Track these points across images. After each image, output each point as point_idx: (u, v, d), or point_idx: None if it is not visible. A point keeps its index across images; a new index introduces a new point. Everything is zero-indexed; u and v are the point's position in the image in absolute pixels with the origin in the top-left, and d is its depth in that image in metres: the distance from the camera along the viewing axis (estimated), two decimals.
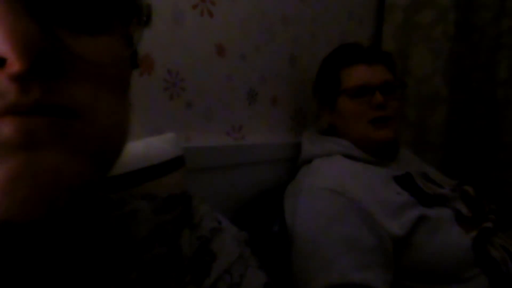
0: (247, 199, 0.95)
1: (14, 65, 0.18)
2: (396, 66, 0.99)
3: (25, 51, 0.18)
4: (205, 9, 0.84)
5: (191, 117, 0.82)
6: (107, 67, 0.23)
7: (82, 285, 0.28)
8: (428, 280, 0.73)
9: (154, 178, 0.57)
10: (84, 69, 0.22)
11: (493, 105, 1.34)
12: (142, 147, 0.60)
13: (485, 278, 0.73)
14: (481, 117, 1.37)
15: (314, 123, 1.13)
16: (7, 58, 0.18)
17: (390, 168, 0.88)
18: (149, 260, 0.32)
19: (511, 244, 0.79)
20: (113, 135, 0.24)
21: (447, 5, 1.35)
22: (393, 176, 0.83)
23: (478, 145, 1.38)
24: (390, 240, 0.71)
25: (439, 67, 1.37)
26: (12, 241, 0.24)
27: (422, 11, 1.39)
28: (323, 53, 1.03)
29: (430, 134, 1.38)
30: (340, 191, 0.75)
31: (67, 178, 0.20)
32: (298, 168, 0.96)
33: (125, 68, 0.26)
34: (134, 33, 0.26)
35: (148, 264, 0.32)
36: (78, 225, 0.29)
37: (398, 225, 0.73)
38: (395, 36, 1.43)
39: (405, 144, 1.29)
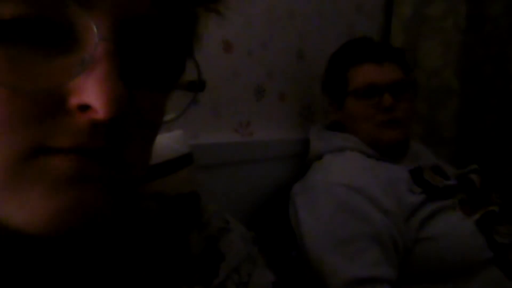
0: (255, 195, 0.95)
1: (98, 113, 0.21)
2: (409, 64, 0.96)
3: (114, 109, 0.21)
4: None
5: (199, 114, 0.82)
6: (157, 124, 0.28)
7: (91, 282, 0.29)
8: (437, 277, 0.73)
9: (162, 175, 0.57)
10: (141, 127, 0.25)
11: (506, 98, 1.31)
12: None
13: (497, 270, 0.72)
14: (493, 110, 1.35)
15: (324, 118, 1.12)
16: (93, 107, 0.21)
17: (402, 164, 0.87)
18: (158, 259, 0.32)
19: None
20: (140, 178, 0.28)
21: None
22: (408, 170, 0.83)
23: (490, 139, 1.35)
24: (401, 240, 0.72)
25: (450, 60, 1.35)
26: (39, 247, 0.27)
27: (432, 4, 1.37)
28: (331, 48, 1.02)
29: (441, 128, 1.36)
30: (357, 187, 0.75)
31: (102, 212, 0.24)
32: (307, 165, 0.95)
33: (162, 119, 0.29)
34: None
35: (157, 263, 0.32)
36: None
37: (409, 228, 0.73)
38: (404, 29, 1.40)
39: (416, 138, 1.28)
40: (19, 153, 0.21)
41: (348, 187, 0.75)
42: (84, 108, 0.21)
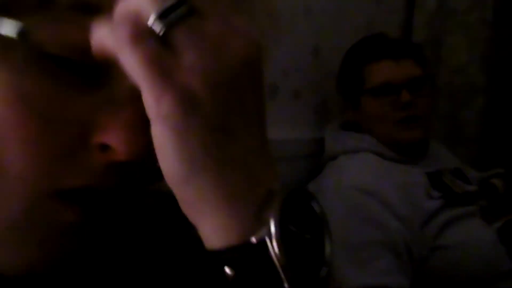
0: None
1: (118, 156, 0.21)
2: (427, 59, 0.93)
3: (135, 155, 0.21)
4: None
5: None
6: None
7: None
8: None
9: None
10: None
11: None
12: None
13: None
14: None
15: (340, 117, 1.10)
16: (115, 149, 0.21)
17: (421, 165, 0.84)
18: (167, 263, 0.32)
19: None
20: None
21: None
22: (426, 173, 0.80)
23: None
24: (416, 248, 0.71)
25: (475, 56, 1.30)
26: None
27: None
28: (349, 44, 0.99)
29: (464, 128, 1.31)
30: (371, 192, 0.74)
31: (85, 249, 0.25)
32: (321, 165, 0.93)
33: None
34: None
35: (167, 267, 0.32)
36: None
37: (425, 235, 0.71)
38: (428, 24, 1.35)
39: (436, 139, 1.24)
40: (38, 195, 0.22)
41: (362, 191, 0.74)
42: (105, 147, 0.22)
